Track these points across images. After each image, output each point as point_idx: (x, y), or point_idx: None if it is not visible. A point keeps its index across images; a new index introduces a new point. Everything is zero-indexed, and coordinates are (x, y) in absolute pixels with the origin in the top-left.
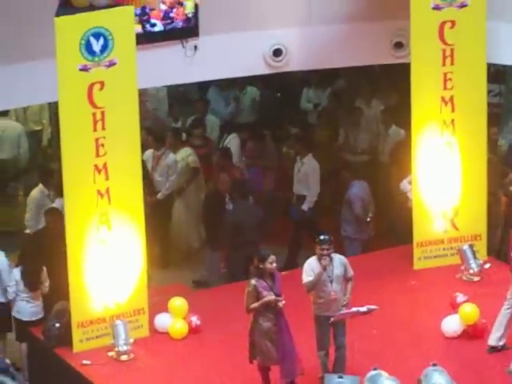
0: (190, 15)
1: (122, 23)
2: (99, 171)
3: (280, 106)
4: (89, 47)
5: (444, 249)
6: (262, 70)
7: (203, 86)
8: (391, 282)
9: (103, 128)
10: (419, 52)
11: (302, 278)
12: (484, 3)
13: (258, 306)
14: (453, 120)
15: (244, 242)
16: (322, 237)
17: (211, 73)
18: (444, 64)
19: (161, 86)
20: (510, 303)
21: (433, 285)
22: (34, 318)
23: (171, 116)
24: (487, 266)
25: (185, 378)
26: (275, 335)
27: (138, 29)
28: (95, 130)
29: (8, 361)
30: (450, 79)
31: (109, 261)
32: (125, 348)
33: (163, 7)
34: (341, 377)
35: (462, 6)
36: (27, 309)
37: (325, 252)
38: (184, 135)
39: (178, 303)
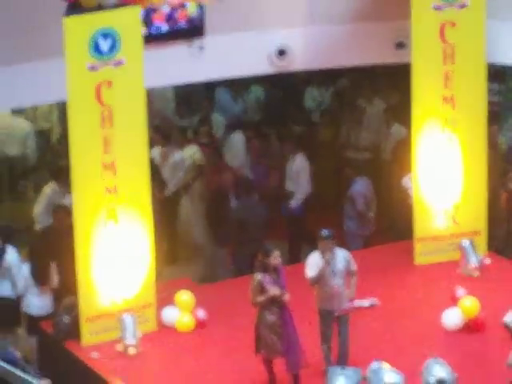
0: (192, 16)
1: (129, 23)
2: (107, 168)
3: (284, 104)
4: (97, 47)
5: (445, 244)
6: (266, 69)
7: (209, 86)
8: (392, 277)
9: (111, 125)
10: (420, 51)
11: (305, 272)
12: (484, 3)
13: (264, 300)
14: (453, 118)
15: (248, 238)
16: (324, 232)
17: (216, 72)
18: (445, 63)
19: (167, 85)
20: None
21: (433, 280)
22: (43, 313)
23: (178, 114)
24: (487, 261)
25: (191, 371)
26: (280, 328)
27: (144, 30)
28: (103, 127)
29: (19, 354)
30: (451, 78)
31: (117, 256)
32: (132, 341)
33: (166, 9)
34: (343, 369)
35: (463, 6)
36: (37, 303)
37: (327, 247)
38: (190, 133)
39: (185, 297)
